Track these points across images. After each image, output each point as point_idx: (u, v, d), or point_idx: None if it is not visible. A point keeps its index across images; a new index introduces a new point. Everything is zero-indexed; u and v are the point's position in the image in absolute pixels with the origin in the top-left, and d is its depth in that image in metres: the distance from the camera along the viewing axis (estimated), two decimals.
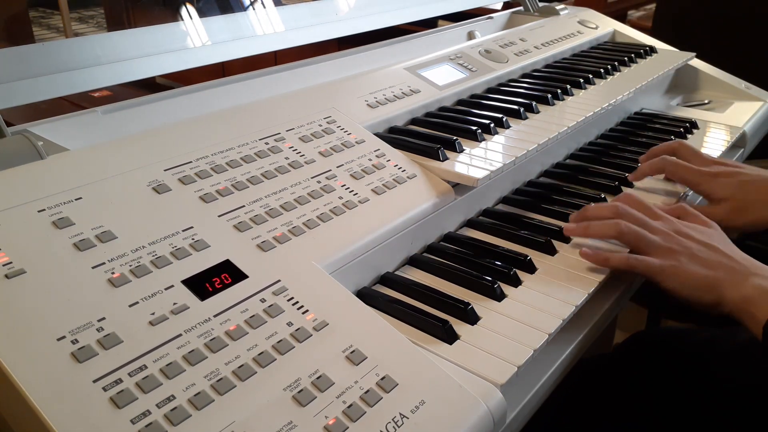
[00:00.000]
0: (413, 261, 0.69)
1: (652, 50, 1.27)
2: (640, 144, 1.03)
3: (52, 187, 0.55)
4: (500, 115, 0.87)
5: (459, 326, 0.58)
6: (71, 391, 0.41)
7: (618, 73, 1.12)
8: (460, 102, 0.95)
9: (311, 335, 0.50)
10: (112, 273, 0.49)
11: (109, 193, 0.56)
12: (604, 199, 0.83)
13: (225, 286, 0.52)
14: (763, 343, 0.59)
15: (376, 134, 0.78)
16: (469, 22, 1.27)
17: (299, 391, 0.46)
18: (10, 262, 0.47)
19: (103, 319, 0.46)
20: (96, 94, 1.58)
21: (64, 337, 0.44)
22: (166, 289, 0.50)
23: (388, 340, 0.52)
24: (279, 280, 0.54)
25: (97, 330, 0.45)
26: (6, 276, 0.46)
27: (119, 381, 0.42)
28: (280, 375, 0.46)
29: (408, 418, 0.46)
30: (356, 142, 0.74)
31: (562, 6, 1.39)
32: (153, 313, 0.47)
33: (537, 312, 0.61)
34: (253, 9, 0.88)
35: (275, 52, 0.92)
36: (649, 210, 0.72)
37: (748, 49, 1.70)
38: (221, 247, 0.55)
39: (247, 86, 0.84)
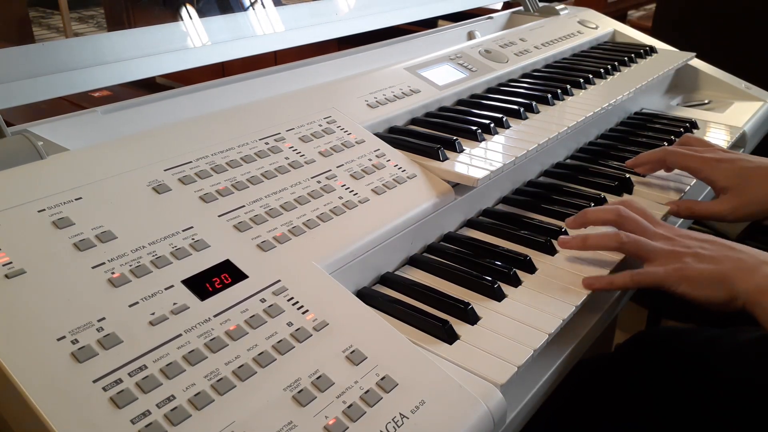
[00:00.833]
0: (413, 261, 0.69)
1: (652, 50, 1.27)
2: (640, 144, 1.03)
3: (52, 187, 0.55)
4: (500, 115, 0.87)
5: (459, 326, 0.58)
6: (71, 391, 0.41)
7: (618, 73, 1.12)
8: (460, 102, 0.95)
9: (311, 335, 0.50)
10: (112, 273, 0.49)
11: (109, 193, 0.56)
12: (604, 200, 0.83)
13: (225, 286, 0.52)
14: None
15: (376, 134, 0.78)
16: (469, 22, 1.27)
17: (299, 391, 0.46)
18: (10, 262, 0.47)
19: (103, 319, 0.46)
20: (96, 94, 1.58)
21: (64, 337, 0.44)
22: (166, 289, 0.50)
23: (388, 340, 0.52)
24: (279, 280, 0.54)
25: (97, 330, 0.45)
26: (6, 276, 0.46)
27: (119, 381, 0.42)
28: (280, 375, 0.46)
29: (408, 418, 0.46)
30: (356, 142, 0.74)
31: (562, 6, 1.39)
32: (153, 313, 0.47)
33: (537, 312, 0.61)
34: (253, 9, 0.88)
35: (275, 52, 0.92)
36: (649, 216, 0.72)
37: (748, 49, 1.70)
38: (221, 247, 0.55)
39: (247, 86, 0.84)
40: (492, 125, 0.84)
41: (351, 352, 0.49)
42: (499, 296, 0.63)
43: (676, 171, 0.90)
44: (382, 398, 0.47)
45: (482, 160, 0.76)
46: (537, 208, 0.81)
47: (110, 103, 0.73)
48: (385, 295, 0.63)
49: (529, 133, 0.85)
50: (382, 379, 0.48)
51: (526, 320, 0.59)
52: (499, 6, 1.63)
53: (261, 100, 0.76)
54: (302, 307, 0.52)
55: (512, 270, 0.65)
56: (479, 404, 0.48)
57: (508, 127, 0.86)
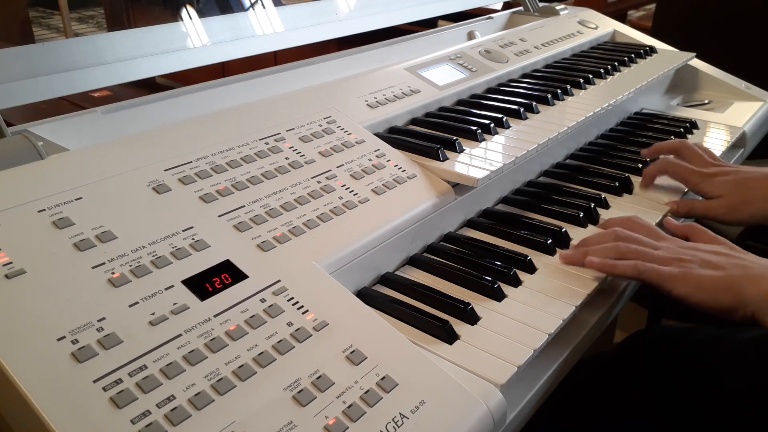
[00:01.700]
0: (413, 261, 0.69)
1: (652, 50, 1.27)
2: (640, 144, 1.03)
3: (52, 187, 0.55)
4: (500, 115, 0.87)
5: (459, 326, 0.58)
6: (71, 391, 0.41)
7: (618, 73, 1.12)
8: (460, 102, 0.95)
9: (311, 335, 0.50)
10: (112, 273, 0.49)
11: (109, 193, 0.56)
12: (605, 200, 0.83)
13: (225, 286, 0.52)
14: None
15: (376, 134, 0.78)
16: (469, 22, 1.27)
17: (299, 391, 0.46)
18: (10, 262, 0.47)
19: (103, 319, 0.46)
20: (96, 94, 1.58)
21: (64, 337, 0.44)
22: (166, 289, 0.50)
23: (388, 340, 0.52)
24: (279, 280, 0.54)
25: (97, 330, 0.45)
26: (6, 276, 0.46)
27: (119, 381, 0.42)
28: (280, 375, 0.46)
29: (408, 418, 0.46)
30: (356, 142, 0.74)
31: (562, 6, 1.39)
32: (153, 313, 0.47)
33: (537, 312, 0.61)
34: (253, 9, 0.88)
35: (275, 52, 0.92)
36: (653, 232, 0.71)
37: (748, 49, 1.70)
38: (221, 247, 0.55)
39: (247, 86, 0.84)
40: (492, 125, 0.84)
41: (351, 352, 0.49)
42: (499, 296, 0.63)
43: None
44: (382, 398, 0.47)
45: (482, 160, 0.76)
46: (537, 208, 0.81)
47: (110, 103, 0.73)
48: (385, 295, 0.63)
49: (529, 133, 0.85)
50: (382, 379, 0.48)
51: (526, 320, 0.59)
52: (499, 6, 1.63)
53: (261, 100, 0.76)
54: (302, 307, 0.52)
55: (512, 270, 0.65)
56: (479, 404, 0.48)
57: (508, 127, 0.86)
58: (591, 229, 0.77)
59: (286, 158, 0.68)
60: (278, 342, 0.48)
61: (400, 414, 0.46)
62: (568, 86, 1.01)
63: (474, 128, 0.82)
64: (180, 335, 0.47)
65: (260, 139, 0.69)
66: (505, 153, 0.78)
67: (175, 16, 0.87)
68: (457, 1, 1.23)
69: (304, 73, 0.91)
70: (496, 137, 0.83)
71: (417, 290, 0.63)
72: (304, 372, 0.47)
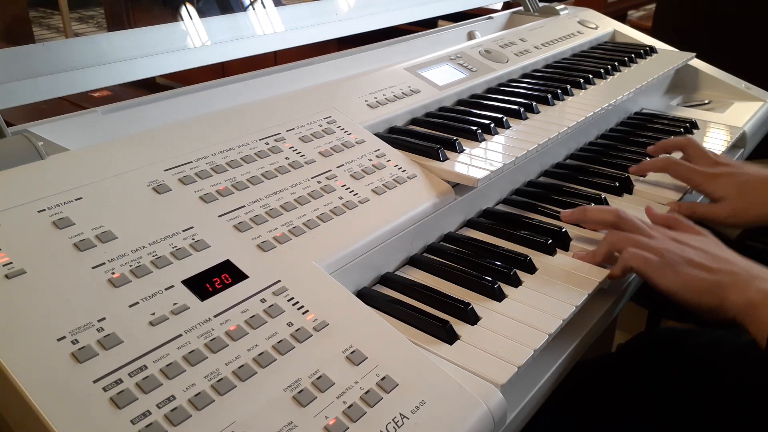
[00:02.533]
0: (413, 261, 0.69)
1: (652, 50, 1.27)
2: (640, 144, 1.03)
3: (52, 187, 0.55)
4: (500, 115, 0.87)
5: (459, 326, 0.58)
6: (71, 391, 0.41)
7: (618, 73, 1.12)
8: (460, 102, 0.95)
9: (311, 335, 0.50)
10: (112, 273, 0.49)
11: (109, 193, 0.56)
12: (605, 200, 0.83)
13: (225, 287, 0.52)
14: (767, 349, 0.59)
15: (376, 134, 0.78)
16: (469, 22, 1.27)
17: (299, 392, 0.46)
18: (10, 262, 0.47)
19: (104, 319, 0.46)
20: (96, 94, 1.58)
21: (64, 337, 0.44)
22: (166, 289, 0.50)
23: (388, 340, 0.52)
24: (279, 281, 0.54)
25: (98, 330, 0.45)
26: (6, 276, 0.46)
27: (119, 381, 0.42)
28: (281, 375, 0.46)
29: (408, 419, 0.46)
30: (356, 142, 0.74)
31: (562, 6, 1.39)
32: (153, 314, 0.47)
33: (537, 312, 0.61)
34: (253, 9, 0.88)
35: (275, 52, 0.92)
36: (643, 226, 0.72)
37: (748, 49, 1.70)
38: (221, 247, 0.55)
39: (247, 86, 0.84)
40: (492, 125, 0.84)
41: (351, 353, 0.49)
42: (499, 296, 0.63)
43: None
44: (382, 398, 0.47)
45: (482, 160, 0.76)
46: (537, 208, 0.81)
47: (110, 103, 0.73)
48: (385, 295, 0.63)
49: (529, 133, 0.85)
50: (382, 379, 0.48)
51: (526, 320, 0.59)
52: (499, 6, 1.63)
53: (261, 100, 0.76)
54: (302, 307, 0.52)
55: (512, 270, 0.65)
56: (479, 404, 0.48)
57: (508, 127, 0.86)
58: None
59: (286, 158, 0.68)
60: (278, 342, 0.48)
61: (401, 414, 0.46)
62: (568, 86, 1.01)
63: (474, 128, 0.82)
64: (180, 335, 0.47)
65: (260, 139, 0.69)
66: (505, 153, 0.78)
67: (175, 16, 0.87)
68: (457, 1, 1.23)
69: (304, 73, 0.91)
70: (496, 137, 0.83)
71: (417, 290, 0.63)
72: (304, 372, 0.47)
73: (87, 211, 0.54)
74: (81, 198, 0.54)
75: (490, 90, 1.01)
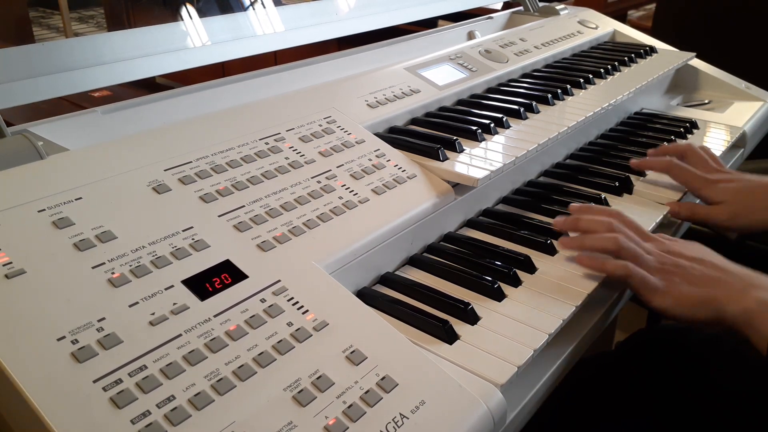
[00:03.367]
0: (413, 261, 0.69)
1: (652, 50, 1.27)
2: (640, 144, 1.03)
3: (52, 187, 0.55)
4: (500, 115, 0.87)
5: (459, 326, 0.58)
6: (71, 391, 0.41)
7: (618, 73, 1.12)
8: (460, 102, 0.95)
9: (311, 335, 0.50)
10: (112, 273, 0.49)
11: (109, 193, 0.56)
12: (605, 200, 0.83)
13: (225, 286, 0.52)
14: (767, 358, 0.59)
15: (376, 134, 0.78)
16: (469, 22, 1.27)
17: (299, 392, 0.46)
18: (10, 262, 0.47)
19: (103, 319, 0.46)
20: (96, 94, 1.58)
21: (64, 337, 0.44)
22: (166, 289, 0.50)
23: (388, 340, 0.52)
24: (279, 280, 0.54)
25: (97, 330, 0.45)
26: (6, 276, 0.46)
27: (119, 381, 0.42)
28: (280, 375, 0.46)
29: (408, 419, 0.46)
30: (356, 142, 0.74)
31: (562, 6, 1.39)
32: (153, 313, 0.47)
33: (537, 312, 0.61)
34: (253, 9, 0.88)
35: (275, 52, 0.92)
36: (640, 231, 0.72)
37: (748, 49, 1.70)
38: (221, 247, 0.55)
39: (247, 86, 0.84)
40: (492, 125, 0.84)
41: (351, 352, 0.49)
42: (499, 296, 0.63)
43: None
44: (382, 398, 0.47)
45: (482, 160, 0.76)
46: (537, 208, 0.81)
47: (110, 103, 0.73)
48: (385, 295, 0.63)
49: (529, 133, 0.85)
50: (382, 379, 0.48)
51: (526, 320, 0.59)
52: (499, 6, 1.63)
53: (261, 100, 0.76)
54: (302, 307, 0.52)
55: (512, 270, 0.65)
56: (479, 404, 0.48)
57: (508, 127, 0.86)
58: None
59: (286, 158, 0.68)
60: (278, 342, 0.48)
61: (400, 414, 0.46)
62: (568, 86, 1.01)
63: (474, 128, 0.82)
64: (180, 335, 0.47)
65: (260, 139, 0.69)
66: (505, 153, 0.78)
67: (175, 16, 0.87)
68: (457, 1, 1.23)
69: (304, 73, 0.91)
70: (496, 137, 0.83)
71: (417, 290, 0.63)
72: (304, 372, 0.47)
73: (87, 211, 0.54)
74: (81, 198, 0.54)
75: (490, 90, 1.01)
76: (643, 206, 0.84)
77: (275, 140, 0.69)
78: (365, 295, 0.62)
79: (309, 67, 0.93)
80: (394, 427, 0.45)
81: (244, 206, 0.60)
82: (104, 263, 0.50)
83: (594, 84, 1.06)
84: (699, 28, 1.80)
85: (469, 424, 0.47)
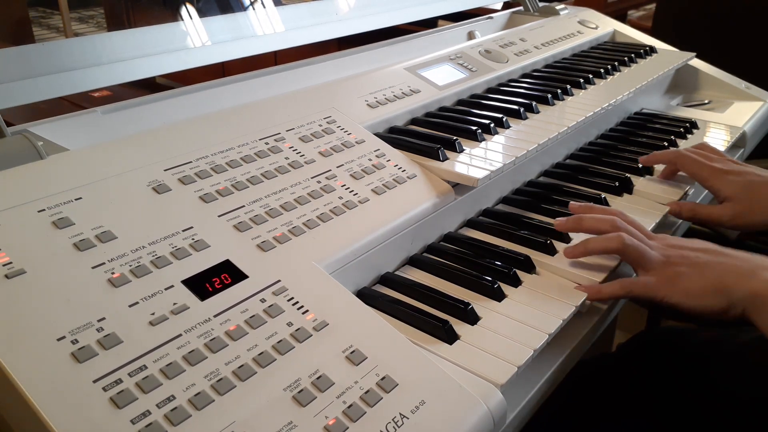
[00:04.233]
0: (413, 261, 0.69)
1: (652, 50, 1.27)
2: (640, 144, 1.03)
3: (52, 187, 0.55)
4: (500, 115, 0.87)
5: (459, 326, 0.58)
6: (71, 391, 0.41)
7: (618, 73, 1.12)
8: (460, 102, 0.95)
9: (311, 335, 0.50)
10: (112, 273, 0.49)
11: (109, 193, 0.56)
12: (605, 200, 0.83)
13: (225, 286, 0.52)
14: None
15: (376, 134, 0.78)
16: (469, 22, 1.27)
17: (299, 391, 0.46)
18: (10, 262, 0.47)
19: (103, 319, 0.46)
20: (96, 94, 1.58)
21: (64, 337, 0.44)
22: (166, 289, 0.50)
23: (388, 340, 0.52)
24: (279, 280, 0.54)
25: (97, 330, 0.45)
26: (6, 276, 0.46)
27: (119, 381, 0.42)
28: (280, 375, 0.46)
29: (408, 419, 0.46)
30: (356, 142, 0.74)
31: (562, 6, 1.39)
32: (153, 313, 0.47)
33: (537, 312, 0.61)
34: (253, 9, 0.88)
35: (275, 52, 0.92)
36: (642, 229, 0.71)
37: (748, 49, 1.70)
38: (221, 247, 0.55)
39: (247, 86, 0.84)
40: (492, 125, 0.84)
41: (351, 352, 0.49)
42: (499, 296, 0.63)
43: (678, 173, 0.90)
44: (382, 398, 0.47)
45: (482, 160, 0.76)
46: (537, 208, 0.81)
47: (110, 103, 0.73)
48: (385, 295, 0.63)
49: (529, 133, 0.85)
50: (382, 379, 0.48)
51: (526, 320, 0.59)
52: (499, 6, 1.63)
53: (261, 100, 0.76)
54: (302, 307, 0.52)
55: (512, 270, 0.65)
56: (479, 404, 0.48)
57: (508, 127, 0.86)
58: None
59: (286, 158, 0.68)
60: (278, 342, 0.48)
61: (400, 414, 0.46)
62: (568, 86, 1.01)
63: (474, 128, 0.82)
64: (180, 335, 0.47)
65: (260, 139, 0.69)
66: (505, 153, 0.78)
67: (175, 16, 0.87)
68: (457, 1, 1.23)
69: (304, 73, 0.91)
70: (496, 137, 0.83)
71: (417, 290, 0.63)
72: (304, 372, 0.47)
73: (87, 211, 0.54)
74: (81, 198, 0.54)
75: (490, 90, 1.01)
76: (644, 206, 0.84)
77: (275, 140, 0.69)
78: (365, 295, 0.62)
79: (309, 67, 0.93)
80: (394, 427, 0.45)
81: (244, 206, 0.60)
82: (104, 263, 0.50)
83: (594, 84, 1.06)
84: (699, 28, 1.80)
85: (469, 424, 0.47)
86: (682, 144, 1.06)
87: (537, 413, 0.59)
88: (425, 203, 0.69)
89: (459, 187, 0.74)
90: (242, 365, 0.46)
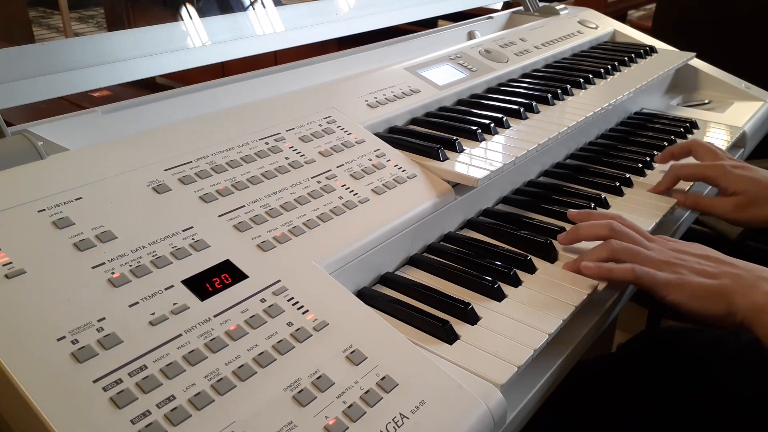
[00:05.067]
0: (413, 261, 0.69)
1: (652, 50, 1.27)
2: (640, 144, 1.03)
3: (52, 187, 0.55)
4: (500, 115, 0.87)
5: (459, 326, 0.58)
6: (71, 391, 0.41)
7: (618, 73, 1.12)
8: (460, 102, 0.95)
9: (311, 335, 0.50)
10: (112, 273, 0.49)
11: (109, 193, 0.56)
12: (605, 200, 0.83)
13: (225, 286, 0.52)
14: None
15: (376, 134, 0.78)
16: (469, 22, 1.27)
17: (299, 392, 0.46)
18: (10, 262, 0.47)
19: (103, 319, 0.46)
20: (96, 94, 1.58)
21: (64, 337, 0.44)
22: (166, 289, 0.50)
23: (388, 340, 0.52)
24: (279, 280, 0.54)
25: (97, 330, 0.45)
26: (6, 276, 0.46)
27: (119, 381, 0.42)
28: (281, 375, 0.46)
29: (408, 419, 0.46)
30: (356, 142, 0.74)
31: (562, 6, 1.39)
32: (153, 313, 0.47)
33: (537, 312, 0.61)
34: (253, 9, 0.88)
35: (275, 52, 0.92)
36: (642, 232, 0.71)
37: (748, 49, 1.70)
38: (221, 247, 0.55)
39: (247, 86, 0.84)
40: (492, 125, 0.84)
41: (351, 352, 0.49)
42: (499, 296, 0.63)
43: None
44: (382, 398, 0.47)
45: (482, 160, 0.76)
46: (537, 208, 0.81)
47: (110, 103, 0.73)
48: (385, 295, 0.63)
49: (529, 133, 0.85)
50: (382, 379, 0.48)
51: (526, 320, 0.59)
52: (499, 6, 1.63)
53: (261, 100, 0.76)
54: (302, 307, 0.52)
55: (512, 270, 0.65)
56: (479, 404, 0.48)
57: (508, 127, 0.86)
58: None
59: (286, 158, 0.68)
60: (278, 342, 0.48)
61: (400, 414, 0.46)
62: (568, 86, 1.01)
63: (474, 128, 0.82)
64: (180, 335, 0.47)
65: (260, 139, 0.69)
66: (505, 153, 0.78)
67: (175, 16, 0.87)
68: (457, 1, 1.23)
69: (304, 73, 0.91)
70: (496, 137, 0.83)
71: (417, 290, 0.63)
72: (304, 372, 0.47)
73: (87, 211, 0.54)
74: (81, 198, 0.54)
75: (490, 90, 1.01)
76: (644, 206, 0.84)
77: (275, 140, 0.69)
78: (365, 295, 0.62)
79: (309, 67, 0.93)
80: (394, 427, 0.45)
81: (244, 206, 0.60)
82: (104, 263, 0.50)
83: (594, 84, 1.06)
84: (699, 28, 1.80)
85: (469, 424, 0.47)
86: None
87: (537, 413, 0.59)
88: (425, 203, 0.69)
89: (459, 187, 0.74)
90: (242, 365, 0.46)
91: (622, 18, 2.55)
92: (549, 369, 0.59)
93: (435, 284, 0.65)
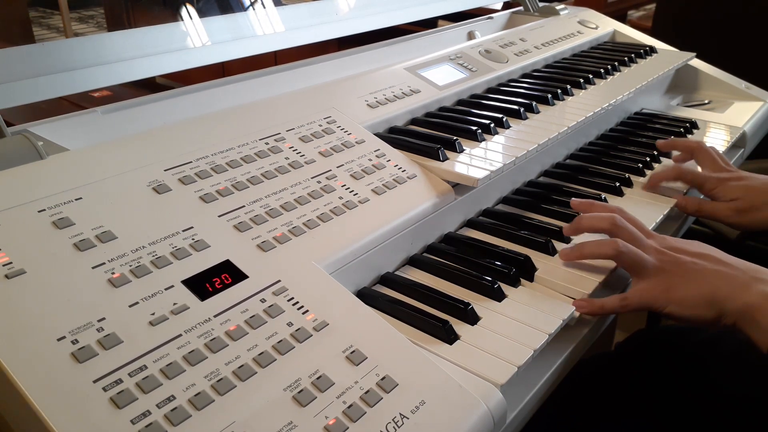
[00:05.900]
0: (413, 261, 0.69)
1: (652, 50, 1.27)
2: (640, 144, 1.03)
3: (52, 187, 0.55)
4: (500, 115, 0.87)
5: (459, 326, 0.58)
6: (71, 391, 0.41)
7: (618, 73, 1.12)
8: (460, 102, 0.95)
9: (311, 335, 0.50)
10: (112, 273, 0.49)
11: (109, 193, 0.56)
12: (605, 200, 0.83)
13: (225, 287, 0.52)
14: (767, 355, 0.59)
15: (376, 134, 0.78)
16: (469, 22, 1.27)
17: (299, 392, 0.46)
18: (10, 262, 0.47)
19: (103, 319, 0.46)
20: (96, 94, 1.58)
21: (64, 337, 0.44)
22: (166, 289, 0.50)
23: (388, 340, 0.52)
24: (279, 281, 0.54)
25: (97, 330, 0.45)
26: (6, 276, 0.46)
27: (119, 381, 0.42)
28: (281, 375, 0.46)
29: (408, 419, 0.46)
30: (356, 142, 0.74)
31: (562, 6, 1.39)
32: (153, 314, 0.47)
33: (537, 312, 0.61)
34: (253, 9, 0.88)
35: (275, 52, 0.92)
36: (641, 227, 0.71)
37: (748, 49, 1.70)
38: (221, 247, 0.55)
39: (247, 86, 0.84)
40: (492, 125, 0.84)
41: (351, 352, 0.49)
42: (499, 296, 0.63)
43: None
44: (382, 398, 0.47)
45: (482, 160, 0.76)
46: (537, 208, 0.81)
47: (110, 103, 0.73)
48: (385, 295, 0.63)
49: (529, 133, 0.85)
50: (382, 379, 0.48)
51: (526, 320, 0.59)
52: (499, 6, 1.63)
53: (261, 100, 0.76)
54: (302, 307, 0.52)
55: (512, 270, 0.65)
56: (479, 404, 0.48)
57: (508, 127, 0.86)
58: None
59: (286, 158, 0.68)
60: (278, 342, 0.48)
61: (401, 414, 0.46)
62: (568, 86, 1.01)
63: (474, 128, 0.82)
64: (180, 335, 0.47)
65: (260, 139, 0.69)
66: (505, 153, 0.78)
67: (175, 16, 0.87)
68: (457, 1, 1.23)
69: (304, 73, 0.91)
70: (496, 137, 0.83)
71: (417, 290, 0.63)
72: (304, 372, 0.47)
73: (87, 211, 0.54)
74: (81, 198, 0.54)
75: (490, 90, 1.01)
76: (644, 206, 0.84)
77: (275, 140, 0.69)
78: (365, 295, 0.62)
79: (309, 67, 0.93)
80: (394, 427, 0.45)
81: (244, 206, 0.60)
82: (104, 263, 0.50)
83: (594, 84, 1.06)
84: (699, 28, 1.80)
85: (469, 424, 0.47)
86: None
87: (537, 413, 0.59)
88: (425, 203, 0.69)
89: (459, 187, 0.74)
90: (242, 365, 0.46)
91: (622, 18, 2.55)
92: (549, 369, 0.59)
93: (435, 284, 0.65)
